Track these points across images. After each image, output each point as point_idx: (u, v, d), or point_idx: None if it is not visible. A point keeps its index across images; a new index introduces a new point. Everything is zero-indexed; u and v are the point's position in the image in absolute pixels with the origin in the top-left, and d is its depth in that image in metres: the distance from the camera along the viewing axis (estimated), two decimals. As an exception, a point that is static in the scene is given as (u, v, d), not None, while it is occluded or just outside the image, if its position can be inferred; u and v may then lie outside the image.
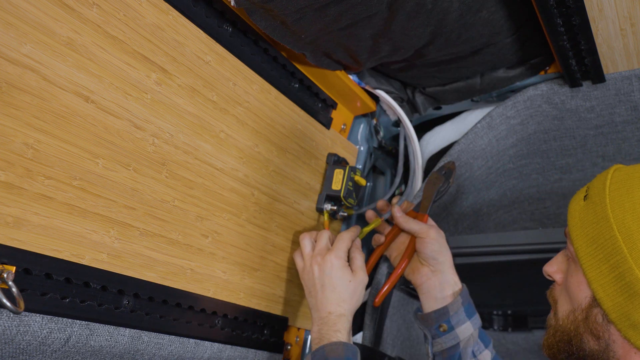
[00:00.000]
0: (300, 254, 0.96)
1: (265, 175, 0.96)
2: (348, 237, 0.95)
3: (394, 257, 1.04)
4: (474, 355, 0.94)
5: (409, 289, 1.20)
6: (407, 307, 1.33)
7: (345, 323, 0.88)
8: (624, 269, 0.66)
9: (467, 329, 0.93)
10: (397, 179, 1.22)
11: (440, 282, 0.95)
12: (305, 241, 0.95)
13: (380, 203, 1.07)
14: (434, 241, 0.95)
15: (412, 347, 1.36)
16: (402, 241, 1.03)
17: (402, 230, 1.01)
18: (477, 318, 0.95)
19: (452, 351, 0.94)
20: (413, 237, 0.99)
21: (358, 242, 0.98)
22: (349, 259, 0.94)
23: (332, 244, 0.95)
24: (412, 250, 0.99)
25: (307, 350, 1.12)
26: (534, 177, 1.31)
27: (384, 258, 1.14)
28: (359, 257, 0.95)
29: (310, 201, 1.09)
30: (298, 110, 1.03)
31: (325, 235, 0.95)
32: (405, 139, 1.24)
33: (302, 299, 1.09)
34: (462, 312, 0.93)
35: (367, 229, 1.04)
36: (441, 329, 0.93)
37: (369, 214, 1.06)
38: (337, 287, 0.90)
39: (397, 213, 0.99)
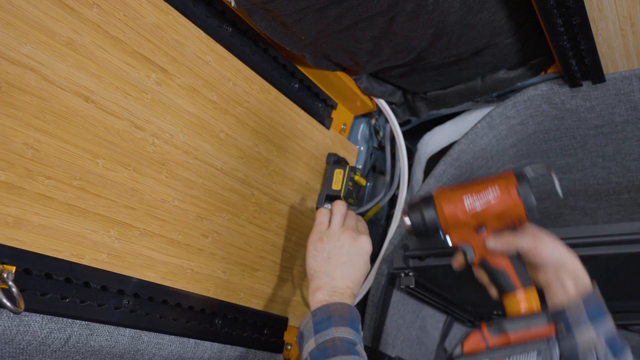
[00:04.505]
0: (327, 214, 0.93)
1: (265, 175, 0.96)
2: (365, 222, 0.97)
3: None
4: None
5: (409, 289, 1.20)
6: (407, 307, 1.33)
7: (354, 302, 0.88)
8: None
9: (588, 333, 0.82)
10: (387, 177, 1.22)
11: (562, 277, 0.84)
12: (339, 207, 0.94)
13: None
14: (551, 246, 0.83)
15: (412, 347, 1.36)
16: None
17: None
18: (604, 324, 0.83)
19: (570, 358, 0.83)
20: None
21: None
22: None
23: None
24: None
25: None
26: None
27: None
28: None
29: (310, 201, 1.09)
30: (298, 110, 1.03)
31: (353, 214, 0.95)
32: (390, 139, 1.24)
33: (302, 299, 1.09)
34: (583, 315, 0.82)
35: (370, 214, 1.04)
36: (558, 328, 0.82)
37: None
38: (361, 268, 0.90)
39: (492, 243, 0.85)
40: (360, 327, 0.83)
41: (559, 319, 0.82)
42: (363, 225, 0.96)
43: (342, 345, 0.77)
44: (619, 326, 0.80)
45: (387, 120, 1.24)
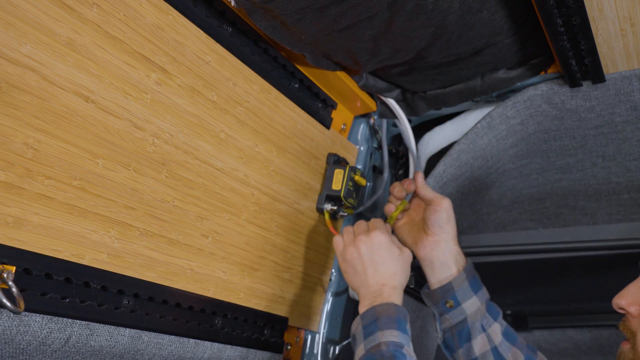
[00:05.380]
0: (341, 238, 0.96)
1: (265, 175, 0.96)
2: (381, 219, 0.98)
3: (406, 234, 1.03)
4: (484, 329, 0.93)
5: (409, 289, 1.20)
6: (407, 307, 1.33)
7: (399, 296, 0.89)
8: None
9: (474, 303, 0.93)
10: (385, 174, 1.22)
11: (443, 253, 0.95)
12: (348, 227, 0.98)
13: (406, 182, 1.05)
14: (445, 210, 0.96)
15: (412, 347, 1.36)
16: (413, 218, 1.03)
17: (418, 196, 1.02)
18: (483, 292, 0.95)
19: (461, 326, 0.93)
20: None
21: (389, 226, 1.00)
22: None
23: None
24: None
25: (307, 349, 1.12)
26: (534, 177, 1.31)
27: None
28: (396, 239, 0.97)
29: (310, 201, 1.09)
30: (298, 110, 1.03)
31: (363, 221, 0.98)
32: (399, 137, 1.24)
33: (302, 299, 1.09)
34: (467, 286, 0.93)
35: (395, 214, 1.04)
36: (447, 305, 0.93)
37: (397, 190, 1.04)
38: (388, 260, 0.90)
39: (420, 178, 1.00)
40: (408, 326, 0.85)
41: (448, 297, 0.91)
42: (374, 222, 0.97)
43: (387, 351, 0.79)
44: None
45: (384, 116, 1.24)
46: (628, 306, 0.77)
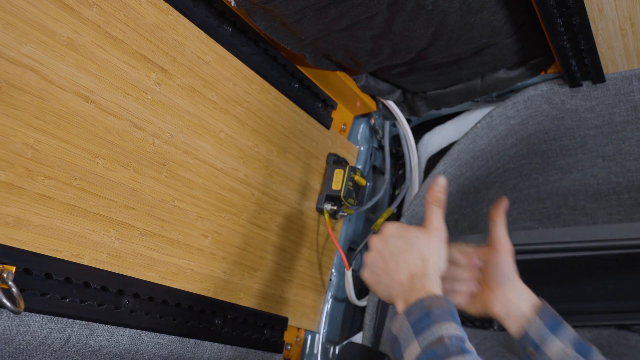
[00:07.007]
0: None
1: (265, 175, 0.96)
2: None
3: (471, 306, 0.88)
4: None
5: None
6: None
7: (437, 283, 0.75)
8: None
9: (555, 345, 0.82)
10: (387, 176, 1.22)
11: (516, 300, 0.84)
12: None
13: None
14: (510, 256, 0.83)
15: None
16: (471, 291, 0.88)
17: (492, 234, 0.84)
18: (564, 331, 0.83)
19: None
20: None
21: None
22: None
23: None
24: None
25: (307, 349, 1.12)
26: (534, 177, 1.31)
27: None
28: (433, 213, 0.78)
29: (310, 201, 1.09)
30: (298, 110, 1.03)
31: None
32: (404, 139, 1.25)
33: (302, 299, 1.09)
34: (544, 329, 0.83)
35: (380, 221, 1.03)
36: (528, 352, 0.83)
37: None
38: (406, 247, 0.76)
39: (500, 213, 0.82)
40: (459, 319, 0.73)
41: (527, 343, 0.82)
42: (384, 225, 0.81)
43: (452, 344, 0.67)
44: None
45: (386, 118, 1.24)
46: None
